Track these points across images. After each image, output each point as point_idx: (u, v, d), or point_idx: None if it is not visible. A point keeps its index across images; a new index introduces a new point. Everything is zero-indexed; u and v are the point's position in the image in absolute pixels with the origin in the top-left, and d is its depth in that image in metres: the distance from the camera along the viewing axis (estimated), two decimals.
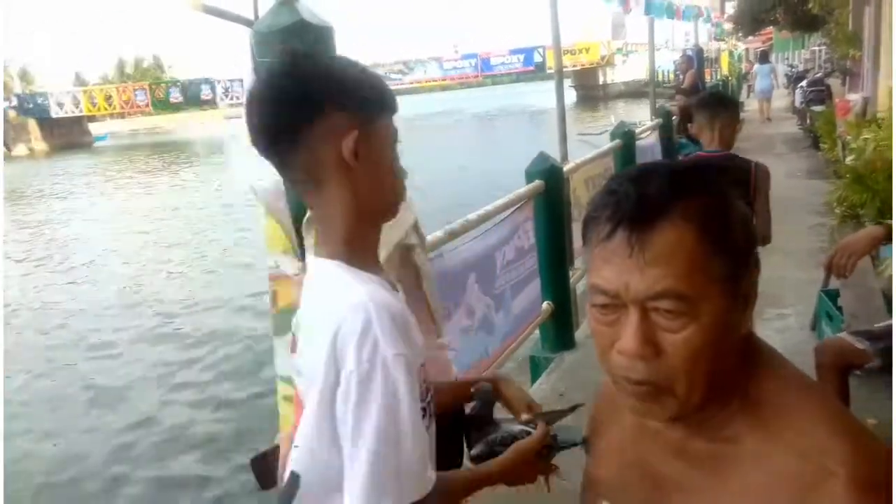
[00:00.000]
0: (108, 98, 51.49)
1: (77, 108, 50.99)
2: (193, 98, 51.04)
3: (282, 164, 1.05)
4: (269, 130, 1.02)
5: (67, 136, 49.91)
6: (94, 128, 56.72)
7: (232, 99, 48.69)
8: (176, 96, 50.88)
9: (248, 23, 1.57)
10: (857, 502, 0.63)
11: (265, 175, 1.56)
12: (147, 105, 51.86)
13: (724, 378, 0.72)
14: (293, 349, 1.24)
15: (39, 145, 47.77)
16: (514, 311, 3.45)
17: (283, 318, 1.60)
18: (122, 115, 59.23)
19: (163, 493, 4.76)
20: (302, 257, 1.54)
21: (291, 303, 1.56)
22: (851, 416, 0.72)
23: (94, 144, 51.46)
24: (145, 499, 4.72)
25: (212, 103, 52.88)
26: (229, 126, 49.47)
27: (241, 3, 1.59)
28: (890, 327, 2.21)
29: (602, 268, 0.71)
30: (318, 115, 1.00)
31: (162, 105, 52.14)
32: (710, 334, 0.68)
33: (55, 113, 49.77)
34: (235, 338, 7.42)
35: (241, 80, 1.60)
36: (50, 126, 48.93)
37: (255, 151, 1.06)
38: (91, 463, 5.19)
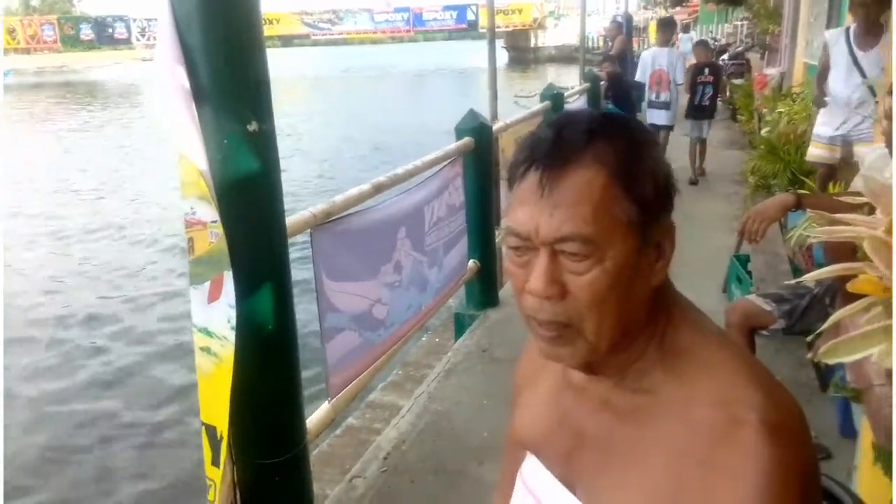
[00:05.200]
0: (12, 31, 47.80)
1: None
2: (106, 36, 48.00)
3: None
4: None
5: None
6: None
7: (148, 39, 46.03)
8: (87, 33, 47.73)
9: None
10: (767, 447, 0.65)
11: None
12: (55, 41, 48.45)
13: (636, 325, 0.73)
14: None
15: None
16: (446, 268, 3.45)
17: (200, 266, 1.53)
18: (27, 51, 55.12)
19: None
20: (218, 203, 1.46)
21: (208, 251, 1.49)
22: (763, 368, 0.74)
23: None
24: None
25: (126, 43, 49.86)
26: (145, 68, 46.64)
27: None
28: (793, 287, 2.33)
29: (517, 210, 0.72)
30: None
31: (71, 42, 48.79)
32: (614, 278, 0.69)
33: None
34: None
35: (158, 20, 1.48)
36: None
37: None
38: None
